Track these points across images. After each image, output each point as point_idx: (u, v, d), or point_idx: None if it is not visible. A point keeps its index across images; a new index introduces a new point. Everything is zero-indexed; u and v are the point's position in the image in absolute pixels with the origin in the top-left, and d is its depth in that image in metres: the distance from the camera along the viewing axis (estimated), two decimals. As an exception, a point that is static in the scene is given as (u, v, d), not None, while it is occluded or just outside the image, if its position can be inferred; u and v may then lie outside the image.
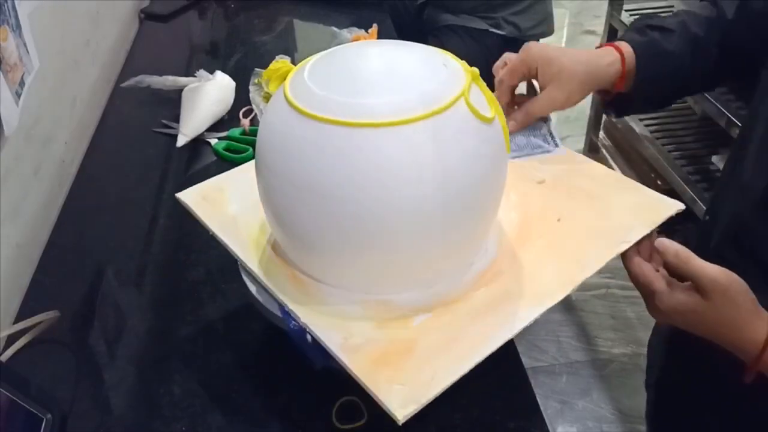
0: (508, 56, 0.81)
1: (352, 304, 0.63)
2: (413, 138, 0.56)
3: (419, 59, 0.63)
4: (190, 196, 0.77)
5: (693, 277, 0.58)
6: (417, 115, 0.56)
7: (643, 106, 0.85)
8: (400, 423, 0.53)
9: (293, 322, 0.62)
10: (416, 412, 0.53)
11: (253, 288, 0.67)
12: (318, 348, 0.60)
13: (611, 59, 0.78)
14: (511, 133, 0.79)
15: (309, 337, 0.61)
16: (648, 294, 0.62)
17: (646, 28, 0.81)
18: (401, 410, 0.53)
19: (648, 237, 0.66)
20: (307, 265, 0.66)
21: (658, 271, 0.63)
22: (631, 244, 0.65)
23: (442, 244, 0.61)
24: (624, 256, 0.65)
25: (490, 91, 0.62)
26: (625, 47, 0.78)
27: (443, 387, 0.55)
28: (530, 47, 0.78)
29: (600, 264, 0.64)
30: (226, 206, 0.75)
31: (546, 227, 0.70)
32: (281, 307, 0.64)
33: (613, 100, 0.83)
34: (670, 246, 0.59)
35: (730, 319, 0.58)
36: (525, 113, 0.80)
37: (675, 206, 0.71)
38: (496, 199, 0.65)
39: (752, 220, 0.69)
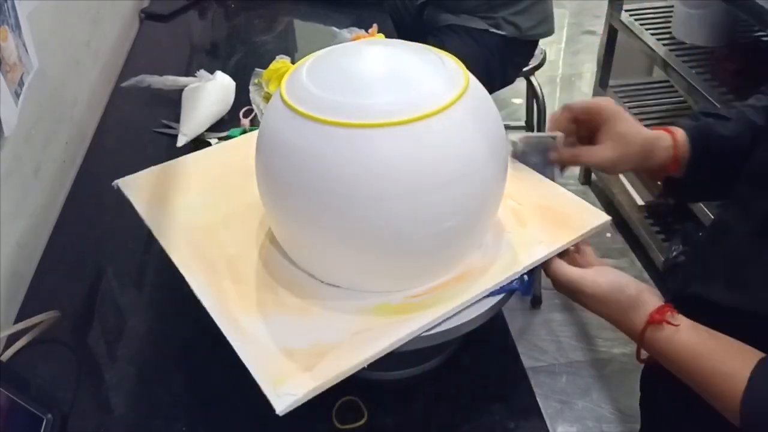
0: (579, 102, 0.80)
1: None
2: (411, 138, 0.56)
3: (417, 59, 0.63)
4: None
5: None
6: (416, 115, 0.56)
7: (702, 192, 0.86)
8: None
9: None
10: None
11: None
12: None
13: (666, 144, 0.78)
14: (550, 162, 0.79)
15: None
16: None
17: (700, 115, 0.82)
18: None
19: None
20: (302, 262, 0.67)
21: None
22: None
23: (438, 244, 0.61)
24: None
25: (487, 96, 0.62)
26: (679, 132, 0.79)
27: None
28: (609, 100, 0.78)
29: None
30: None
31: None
32: None
33: (672, 185, 0.83)
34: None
35: (607, 315, 0.67)
36: (573, 155, 0.79)
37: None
38: (495, 201, 0.65)
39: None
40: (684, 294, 0.75)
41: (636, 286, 0.66)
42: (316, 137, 0.57)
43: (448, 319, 0.62)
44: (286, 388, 0.55)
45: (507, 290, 0.65)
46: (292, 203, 0.61)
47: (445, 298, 0.63)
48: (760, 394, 0.59)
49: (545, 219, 0.71)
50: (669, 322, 0.63)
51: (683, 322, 0.64)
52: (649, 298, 0.66)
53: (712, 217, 0.78)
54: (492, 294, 0.64)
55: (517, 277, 0.65)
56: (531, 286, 0.67)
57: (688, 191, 0.85)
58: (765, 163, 0.70)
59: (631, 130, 0.77)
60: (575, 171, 2.45)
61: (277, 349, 0.59)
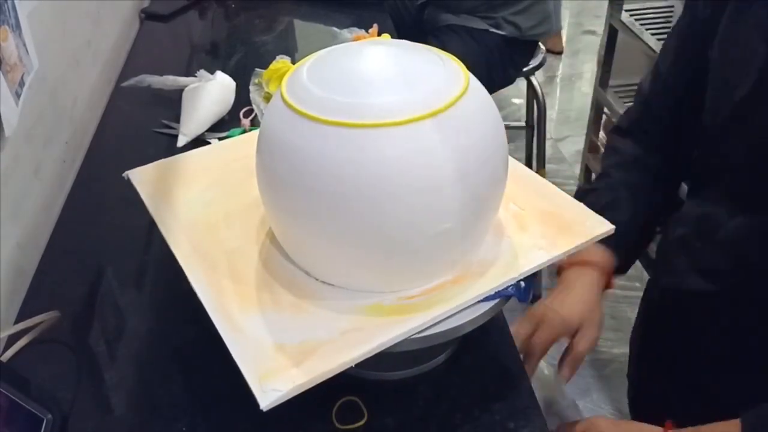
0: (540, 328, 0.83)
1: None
2: (411, 139, 0.56)
3: (417, 59, 0.63)
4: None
5: None
6: (416, 115, 0.56)
7: (633, 260, 0.92)
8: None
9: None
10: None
11: None
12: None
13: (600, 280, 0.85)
14: (567, 380, 0.82)
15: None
16: None
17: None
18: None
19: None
20: (300, 260, 0.67)
21: None
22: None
23: (437, 245, 0.61)
24: None
25: (488, 97, 0.62)
26: (596, 254, 0.84)
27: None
28: (546, 311, 0.83)
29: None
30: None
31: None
32: None
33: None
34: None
35: None
36: (574, 358, 0.82)
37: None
38: (494, 202, 0.65)
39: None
40: (681, 287, 0.79)
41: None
42: (315, 136, 0.57)
43: (441, 321, 0.61)
44: (272, 384, 0.55)
45: (503, 296, 0.64)
46: (290, 201, 0.61)
47: (439, 301, 0.62)
48: None
49: (547, 224, 0.71)
50: None
51: None
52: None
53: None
54: (487, 299, 0.64)
55: (513, 282, 0.65)
56: (528, 293, 0.66)
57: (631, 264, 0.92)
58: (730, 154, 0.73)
59: (579, 304, 0.83)
60: (575, 171, 2.45)
61: (268, 346, 0.59)
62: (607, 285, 0.86)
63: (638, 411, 0.98)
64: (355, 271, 0.63)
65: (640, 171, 0.87)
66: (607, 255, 0.85)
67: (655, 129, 0.87)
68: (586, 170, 2.38)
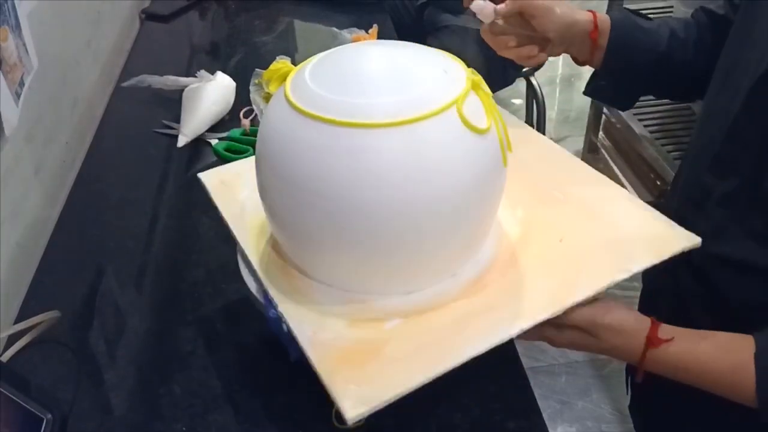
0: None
1: (332, 302, 0.64)
2: (413, 139, 0.56)
3: (419, 60, 0.63)
4: (209, 178, 0.80)
5: (575, 325, 0.64)
6: (417, 115, 0.56)
7: (613, 90, 0.87)
8: (349, 424, 0.53)
9: (272, 310, 0.64)
10: (368, 414, 0.53)
11: (250, 280, 0.68)
12: (293, 339, 0.61)
13: (587, 18, 0.81)
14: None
15: (284, 327, 0.62)
16: (541, 338, 0.66)
17: (624, 10, 0.85)
18: (352, 410, 0.53)
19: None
20: (298, 259, 0.67)
21: None
22: (631, 273, 0.65)
23: (427, 248, 0.61)
24: None
25: (490, 99, 0.62)
26: (601, 16, 0.81)
27: (399, 393, 0.55)
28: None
29: (592, 290, 0.62)
30: (238, 192, 0.78)
31: (546, 246, 0.68)
32: (265, 295, 0.65)
33: (592, 82, 0.86)
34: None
35: (619, 343, 0.65)
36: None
37: (688, 239, 0.67)
38: (486, 211, 0.65)
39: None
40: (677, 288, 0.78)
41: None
42: (318, 135, 0.57)
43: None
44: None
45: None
46: (287, 200, 0.61)
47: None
48: None
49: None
50: (664, 340, 0.63)
51: (672, 332, 0.64)
52: (629, 319, 0.65)
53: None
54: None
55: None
56: None
57: (602, 87, 0.87)
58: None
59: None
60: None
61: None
62: (589, 51, 0.82)
63: (638, 410, 0.98)
64: (354, 271, 0.63)
65: (690, 33, 0.82)
66: (606, 23, 0.81)
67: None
68: (586, 170, 2.38)
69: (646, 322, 0.65)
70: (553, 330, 0.65)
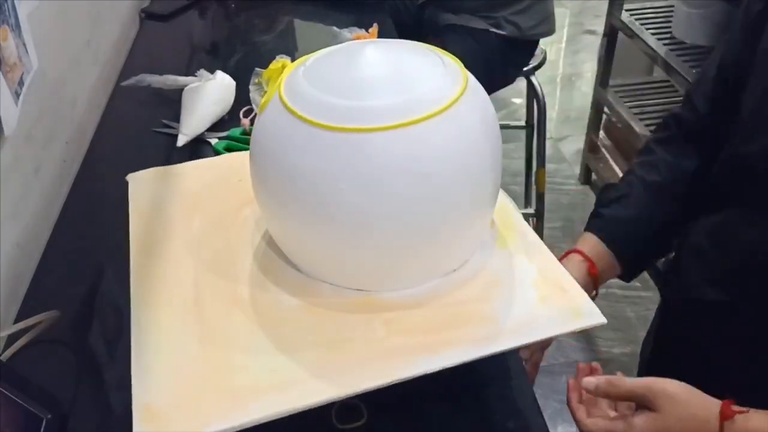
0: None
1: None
2: (407, 142, 0.56)
3: (417, 59, 0.63)
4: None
5: (632, 397, 0.64)
6: (414, 118, 0.56)
7: (640, 267, 0.88)
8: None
9: None
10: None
11: None
12: None
13: (578, 259, 0.80)
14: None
15: None
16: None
17: (599, 207, 0.84)
18: None
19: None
20: (297, 258, 0.67)
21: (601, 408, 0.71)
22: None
23: (429, 246, 0.61)
24: (572, 412, 0.70)
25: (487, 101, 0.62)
26: (586, 244, 0.81)
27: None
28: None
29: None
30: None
31: None
32: None
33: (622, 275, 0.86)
34: (594, 381, 0.66)
35: (687, 414, 0.62)
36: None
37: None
38: (490, 202, 0.65)
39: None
40: (689, 297, 0.78)
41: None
42: (312, 141, 0.57)
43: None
44: None
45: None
46: (286, 204, 0.61)
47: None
48: None
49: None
50: (739, 411, 0.61)
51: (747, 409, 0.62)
52: (700, 401, 0.63)
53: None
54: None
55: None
56: None
57: (639, 270, 0.88)
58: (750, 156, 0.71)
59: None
60: (576, 171, 2.45)
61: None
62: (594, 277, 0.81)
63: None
64: (349, 269, 0.64)
65: (663, 172, 0.83)
66: (600, 248, 0.81)
67: (692, 119, 0.83)
68: (586, 170, 2.38)
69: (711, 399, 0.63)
70: (622, 426, 0.63)
